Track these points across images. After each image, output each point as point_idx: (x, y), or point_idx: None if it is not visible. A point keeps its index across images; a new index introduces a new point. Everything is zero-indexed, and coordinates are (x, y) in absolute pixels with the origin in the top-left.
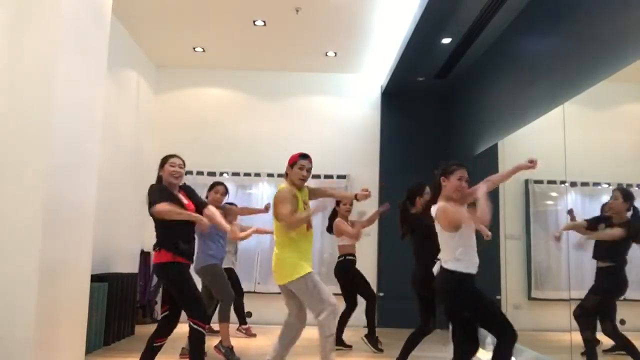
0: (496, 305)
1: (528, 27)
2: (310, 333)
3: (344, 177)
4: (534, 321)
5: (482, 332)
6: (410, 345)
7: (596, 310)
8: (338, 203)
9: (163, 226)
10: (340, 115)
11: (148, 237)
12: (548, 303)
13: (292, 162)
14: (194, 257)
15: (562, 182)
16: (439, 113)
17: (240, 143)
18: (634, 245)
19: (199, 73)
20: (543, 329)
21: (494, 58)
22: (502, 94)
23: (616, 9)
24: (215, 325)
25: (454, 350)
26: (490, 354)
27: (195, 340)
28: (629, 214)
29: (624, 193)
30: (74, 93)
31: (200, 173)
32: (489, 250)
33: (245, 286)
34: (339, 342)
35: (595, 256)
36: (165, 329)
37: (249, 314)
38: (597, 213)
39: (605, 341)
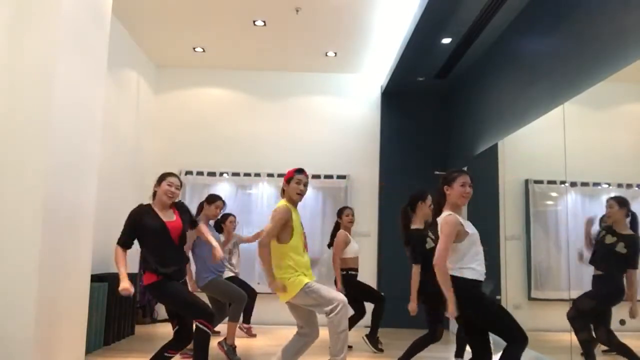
0: (505, 310)
1: (528, 27)
2: (319, 333)
3: (344, 177)
4: (533, 321)
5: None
6: (415, 349)
7: (590, 313)
8: (340, 215)
9: (142, 251)
10: (340, 115)
11: None
12: (548, 303)
13: (288, 178)
14: (195, 274)
15: (562, 182)
16: (439, 113)
17: (240, 143)
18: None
19: (199, 73)
20: (543, 329)
21: (494, 58)
22: (502, 94)
23: (616, 9)
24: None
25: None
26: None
27: (200, 340)
28: (628, 220)
29: (618, 200)
30: (74, 93)
31: (200, 173)
32: (489, 250)
33: None
34: None
35: (591, 262)
36: (179, 342)
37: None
38: (598, 213)
39: None
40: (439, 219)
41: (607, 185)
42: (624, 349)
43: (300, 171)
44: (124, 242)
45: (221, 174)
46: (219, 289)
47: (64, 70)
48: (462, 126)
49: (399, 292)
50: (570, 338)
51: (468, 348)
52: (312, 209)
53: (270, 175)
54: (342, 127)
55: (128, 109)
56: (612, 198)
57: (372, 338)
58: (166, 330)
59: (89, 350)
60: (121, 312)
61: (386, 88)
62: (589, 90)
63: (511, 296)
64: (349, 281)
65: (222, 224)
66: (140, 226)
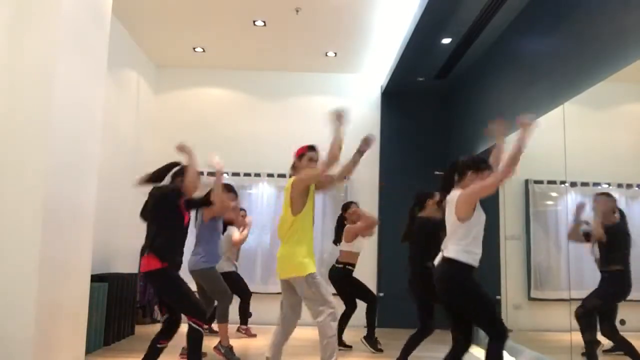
0: (494, 304)
1: (528, 27)
2: (311, 333)
3: (343, 177)
4: (534, 321)
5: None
6: (410, 346)
7: (598, 311)
8: (345, 209)
9: (159, 233)
10: None
11: None
12: (548, 303)
13: (300, 155)
14: (190, 256)
15: (562, 182)
16: (439, 113)
17: (240, 143)
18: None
19: (199, 73)
20: (543, 329)
21: (494, 58)
22: (502, 94)
23: (616, 9)
24: (215, 326)
25: (452, 346)
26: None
27: (193, 339)
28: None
29: (604, 196)
30: (74, 93)
31: (200, 173)
32: (489, 250)
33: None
34: (339, 342)
35: (600, 264)
36: (169, 331)
37: (249, 314)
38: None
39: (606, 342)
40: (452, 196)
41: (607, 185)
42: (626, 346)
43: (312, 148)
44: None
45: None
46: (212, 280)
47: (64, 70)
48: (462, 126)
49: (398, 292)
50: (570, 338)
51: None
52: None
53: (270, 175)
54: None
55: (128, 109)
56: (598, 194)
57: (370, 339)
58: None
59: (89, 350)
60: (121, 312)
61: (386, 88)
62: (589, 90)
63: (511, 296)
64: (345, 275)
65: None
66: (178, 210)
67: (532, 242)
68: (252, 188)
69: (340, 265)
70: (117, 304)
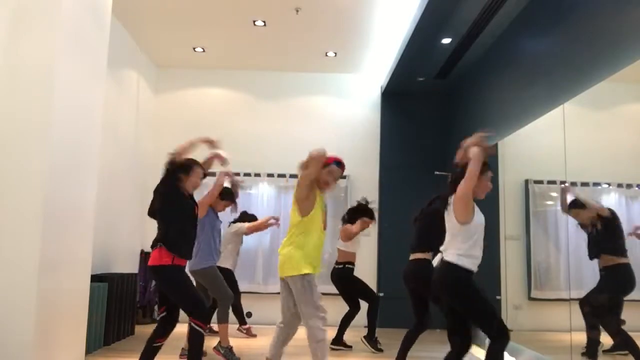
0: (494, 306)
1: (528, 27)
2: None
3: (344, 177)
4: (534, 321)
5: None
6: (407, 343)
7: (604, 306)
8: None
9: (172, 228)
10: (340, 115)
11: (148, 237)
12: (548, 303)
13: (325, 165)
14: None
15: (562, 182)
16: (439, 113)
17: (240, 143)
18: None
19: (199, 73)
20: (543, 329)
21: (494, 58)
22: (502, 94)
23: (616, 9)
24: (215, 326)
25: (451, 347)
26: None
27: (195, 340)
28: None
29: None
30: (74, 93)
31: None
32: (489, 250)
33: (248, 286)
34: (340, 342)
35: (590, 256)
36: (165, 329)
37: (249, 314)
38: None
39: (606, 342)
40: (450, 200)
41: (607, 185)
42: (629, 343)
43: (339, 163)
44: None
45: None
46: (213, 279)
47: (64, 70)
48: (462, 126)
49: (398, 292)
50: (570, 338)
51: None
52: None
53: (270, 175)
54: (342, 127)
55: (128, 109)
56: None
57: (371, 339)
58: None
59: (89, 350)
60: (121, 312)
61: (386, 88)
62: (589, 90)
63: (511, 296)
64: (346, 274)
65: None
66: (185, 201)
67: (532, 242)
68: (252, 188)
69: (340, 265)
70: (117, 304)
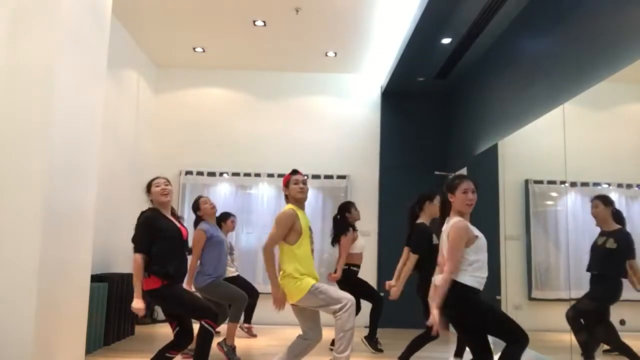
0: (503, 313)
1: (528, 27)
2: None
3: (344, 177)
4: (534, 321)
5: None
6: (414, 347)
7: (590, 314)
8: (344, 210)
9: (154, 255)
10: (340, 115)
11: None
12: (548, 303)
13: (286, 182)
14: (196, 273)
15: (562, 182)
16: (439, 113)
17: (240, 143)
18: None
19: (199, 73)
20: (543, 329)
21: (494, 58)
22: (502, 94)
23: (616, 9)
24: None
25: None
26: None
27: (203, 339)
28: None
29: (603, 199)
30: (74, 93)
31: (200, 173)
32: (489, 250)
33: None
34: None
35: (589, 269)
36: (180, 342)
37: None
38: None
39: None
40: (446, 226)
41: (607, 185)
42: (625, 349)
43: (295, 172)
44: (144, 249)
45: (221, 174)
46: (219, 291)
47: (64, 70)
48: (462, 126)
49: None
50: (570, 338)
51: (468, 348)
52: (312, 209)
53: (270, 175)
54: (342, 127)
55: (128, 109)
56: (596, 197)
57: (371, 339)
58: (166, 331)
59: (89, 350)
60: (121, 312)
61: (386, 88)
62: (589, 90)
63: (511, 296)
64: (349, 276)
65: (222, 222)
66: (157, 229)
67: (532, 242)
68: (252, 188)
69: (345, 267)
70: (117, 304)
